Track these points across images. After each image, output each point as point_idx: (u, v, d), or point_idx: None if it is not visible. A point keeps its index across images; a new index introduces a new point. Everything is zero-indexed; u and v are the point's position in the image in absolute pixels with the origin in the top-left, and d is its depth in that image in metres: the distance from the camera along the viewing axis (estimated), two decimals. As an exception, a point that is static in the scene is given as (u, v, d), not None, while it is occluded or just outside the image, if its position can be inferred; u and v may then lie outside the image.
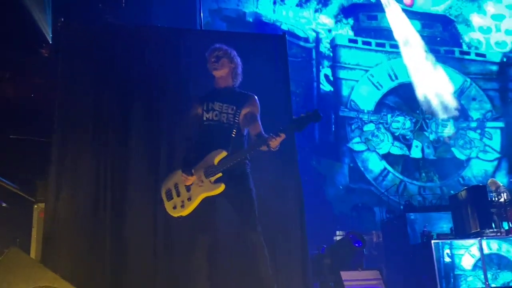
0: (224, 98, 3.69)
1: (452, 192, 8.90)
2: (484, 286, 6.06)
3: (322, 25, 10.31)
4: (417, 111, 9.92)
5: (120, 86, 4.49)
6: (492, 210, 8.08)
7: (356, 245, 5.78)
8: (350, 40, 10.34)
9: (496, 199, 8.33)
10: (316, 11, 10.24)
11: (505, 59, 10.77)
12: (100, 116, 4.38)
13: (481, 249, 6.46)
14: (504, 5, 11.18)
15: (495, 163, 9.82)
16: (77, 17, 6.11)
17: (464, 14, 10.79)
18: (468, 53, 10.70)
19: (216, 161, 3.47)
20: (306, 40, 10.16)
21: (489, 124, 10.05)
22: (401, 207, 8.74)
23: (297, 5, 10.18)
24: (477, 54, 10.88)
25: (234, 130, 3.59)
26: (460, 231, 8.15)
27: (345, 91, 9.99)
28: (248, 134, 3.74)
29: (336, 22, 10.40)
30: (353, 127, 9.67)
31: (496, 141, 9.99)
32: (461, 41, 10.74)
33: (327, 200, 9.00)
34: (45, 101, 5.28)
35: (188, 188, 3.53)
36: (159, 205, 4.12)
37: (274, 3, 10.09)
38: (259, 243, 3.46)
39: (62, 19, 4.60)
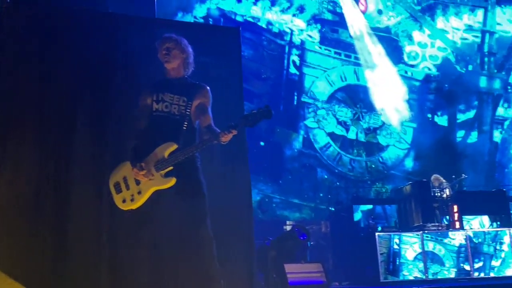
0: (175, 89, 3.60)
1: (373, 166, 12.51)
2: (420, 273, 7.57)
3: (296, 26, 13.08)
4: (357, 105, 12.94)
5: (67, 73, 4.32)
6: (435, 205, 8.46)
7: (301, 238, 5.85)
8: (316, 46, 13.20)
9: (439, 194, 8.70)
10: (293, 15, 12.99)
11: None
12: (45, 103, 4.23)
13: (422, 241, 7.59)
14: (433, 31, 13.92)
15: (406, 151, 12.92)
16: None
17: (408, 30, 13.73)
18: (405, 72, 13.62)
19: (166, 154, 3.39)
20: (282, 38, 12.90)
21: (405, 123, 13.07)
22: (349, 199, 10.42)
23: (281, 10, 12.85)
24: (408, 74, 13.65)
25: (186, 123, 3.51)
26: (404, 224, 8.47)
27: (307, 84, 12.85)
28: (199, 126, 3.66)
29: (307, 25, 13.12)
30: (310, 110, 12.60)
31: (408, 136, 13.00)
32: (402, 54, 13.63)
33: (283, 158, 12.12)
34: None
35: (137, 182, 3.42)
36: (104, 196, 3.99)
37: (264, 8, 12.75)
38: (208, 236, 3.43)
39: (8, 0, 4.41)
